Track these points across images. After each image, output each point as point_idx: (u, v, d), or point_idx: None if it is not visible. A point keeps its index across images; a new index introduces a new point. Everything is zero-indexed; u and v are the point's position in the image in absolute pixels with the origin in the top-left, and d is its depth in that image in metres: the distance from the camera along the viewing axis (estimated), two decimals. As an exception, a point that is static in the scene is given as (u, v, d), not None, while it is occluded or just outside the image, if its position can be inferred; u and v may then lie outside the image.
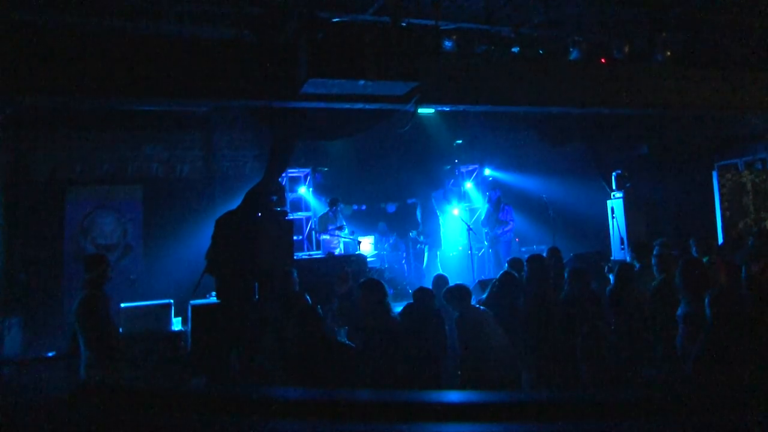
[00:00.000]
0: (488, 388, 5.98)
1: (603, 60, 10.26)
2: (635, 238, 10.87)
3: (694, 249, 8.41)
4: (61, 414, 1.37)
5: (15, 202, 10.54)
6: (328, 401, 1.54)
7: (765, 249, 8.31)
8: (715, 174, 12.56)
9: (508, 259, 12.57)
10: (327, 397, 1.59)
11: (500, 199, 13.06)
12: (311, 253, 11.75)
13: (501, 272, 7.86)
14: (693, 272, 6.26)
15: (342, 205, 11.98)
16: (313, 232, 12.43)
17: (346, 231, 12.07)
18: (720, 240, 11.88)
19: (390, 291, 8.18)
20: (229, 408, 1.45)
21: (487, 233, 12.93)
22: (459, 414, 1.43)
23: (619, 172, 12.20)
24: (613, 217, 11.99)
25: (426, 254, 13.10)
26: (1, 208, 10.05)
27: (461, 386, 6.15)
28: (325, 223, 11.92)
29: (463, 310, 6.44)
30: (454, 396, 1.57)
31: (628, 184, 12.08)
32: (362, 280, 6.90)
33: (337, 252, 11.55)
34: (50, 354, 7.62)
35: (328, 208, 12.07)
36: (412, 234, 12.97)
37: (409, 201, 14.16)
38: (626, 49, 9.99)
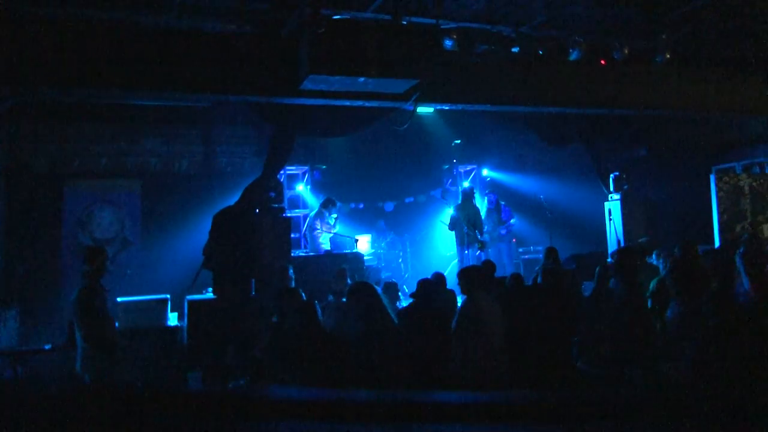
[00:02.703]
0: (478, 377, 5.98)
1: (603, 61, 10.27)
2: (632, 240, 10.90)
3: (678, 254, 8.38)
4: (61, 414, 1.36)
5: (13, 194, 10.53)
6: (326, 402, 1.53)
7: (755, 255, 8.33)
8: (712, 177, 12.56)
9: (510, 257, 12.63)
10: (325, 398, 1.59)
11: (498, 200, 13.14)
12: (308, 250, 11.73)
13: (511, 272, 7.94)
14: (683, 272, 6.26)
15: (331, 209, 11.64)
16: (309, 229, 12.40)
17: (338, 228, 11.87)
18: (717, 243, 11.91)
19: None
20: (231, 409, 1.44)
21: (487, 233, 12.92)
22: (458, 414, 1.43)
23: (617, 173, 12.20)
24: (610, 219, 12.00)
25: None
26: (0, 199, 10.05)
27: (455, 370, 6.13)
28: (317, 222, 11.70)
29: (473, 293, 6.42)
30: (453, 396, 1.58)
31: (625, 186, 12.09)
32: (350, 284, 6.90)
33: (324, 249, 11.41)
34: (47, 346, 7.61)
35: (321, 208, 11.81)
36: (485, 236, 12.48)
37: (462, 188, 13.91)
38: (626, 51, 9.98)
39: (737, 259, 8.29)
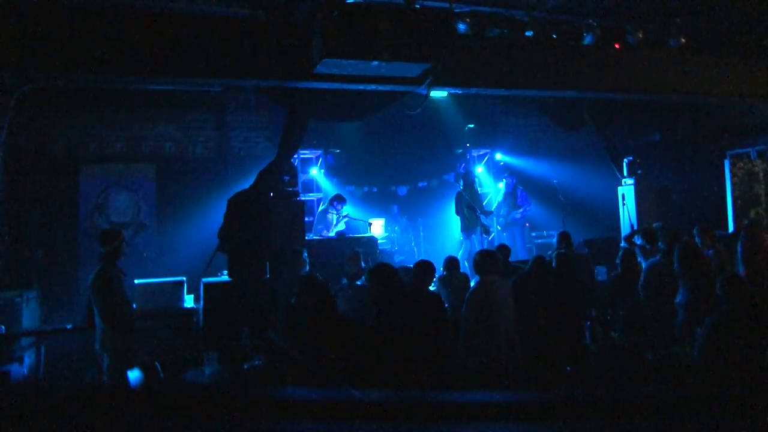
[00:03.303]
0: (488, 358, 6.02)
1: (617, 45, 10.23)
2: (645, 225, 10.88)
3: (697, 238, 8.43)
4: (62, 414, 1.37)
5: (31, 178, 10.68)
6: (336, 401, 1.54)
7: (752, 242, 8.37)
8: (727, 162, 12.52)
9: (524, 241, 12.66)
10: (334, 397, 1.60)
11: (516, 185, 13.16)
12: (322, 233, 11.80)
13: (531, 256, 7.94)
14: (690, 257, 6.25)
15: (337, 205, 11.63)
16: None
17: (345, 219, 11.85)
18: (731, 229, 11.90)
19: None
20: (240, 408, 1.44)
21: (502, 216, 12.99)
22: (472, 414, 1.43)
23: (631, 158, 12.18)
24: (623, 204, 11.99)
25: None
26: (18, 184, 10.16)
27: (463, 354, 6.18)
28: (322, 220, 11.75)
29: (483, 277, 6.46)
30: (466, 396, 1.59)
31: (639, 171, 12.07)
32: (371, 266, 6.93)
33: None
34: (68, 326, 7.74)
35: (328, 205, 11.87)
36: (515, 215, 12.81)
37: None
38: (640, 35, 9.94)
39: (738, 245, 8.34)
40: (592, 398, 1.53)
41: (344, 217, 11.77)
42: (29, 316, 8.27)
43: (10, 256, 9.69)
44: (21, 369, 7.25)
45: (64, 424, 1.35)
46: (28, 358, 7.70)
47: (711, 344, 5.20)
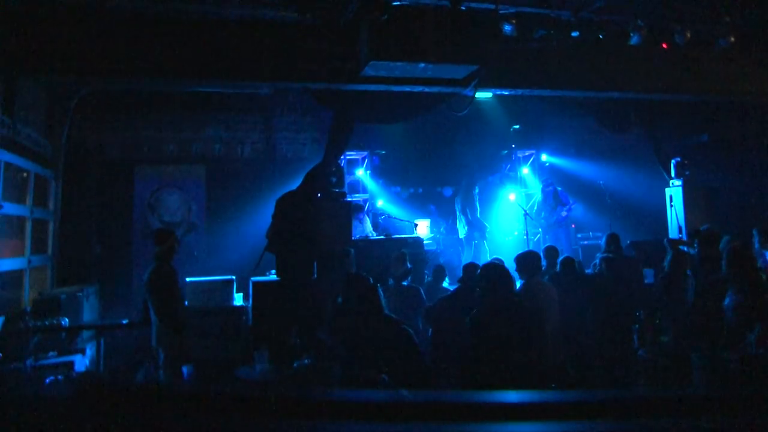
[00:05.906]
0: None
1: (664, 45, 10.11)
2: (693, 227, 10.72)
3: (756, 241, 8.23)
4: (62, 414, 1.41)
5: (89, 178, 11.00)
6: (379, 402, 1.55)
7: None
8: (777, 163, 12.28)
9: (569, 242, 12.63)
10: (378, 399, 1.61)
11: (556, 189, 13.07)
12: (368, 234, 11.89)
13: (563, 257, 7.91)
14: (739, 261, 6.14)
15: (359, 214, 11.64)
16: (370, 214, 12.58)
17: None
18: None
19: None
20: (281, 410, 1.46)
21: (545, 218, 12.93)
22: (515, 414, 1.46)
23: (679, 159, 12.00)
24: (671, 206, 11.83)
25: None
26: (78, 183, 10.46)
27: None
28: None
29: (529, 279, 6.46)
30: (510, 396, 1.62)
31: (687, 172, 11.88)
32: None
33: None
34: (124, 321, 7.97)
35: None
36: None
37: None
38: (688, 35, 9.80)
39: None
40: (593, 398, 1.53)
41: (381, 215, 11.84)
42: (89, 311, 8.55)
43: (71, 251, 9.99)
44: (84, 360, 7.48)
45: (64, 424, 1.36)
46: (90, 351, 7.96)
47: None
